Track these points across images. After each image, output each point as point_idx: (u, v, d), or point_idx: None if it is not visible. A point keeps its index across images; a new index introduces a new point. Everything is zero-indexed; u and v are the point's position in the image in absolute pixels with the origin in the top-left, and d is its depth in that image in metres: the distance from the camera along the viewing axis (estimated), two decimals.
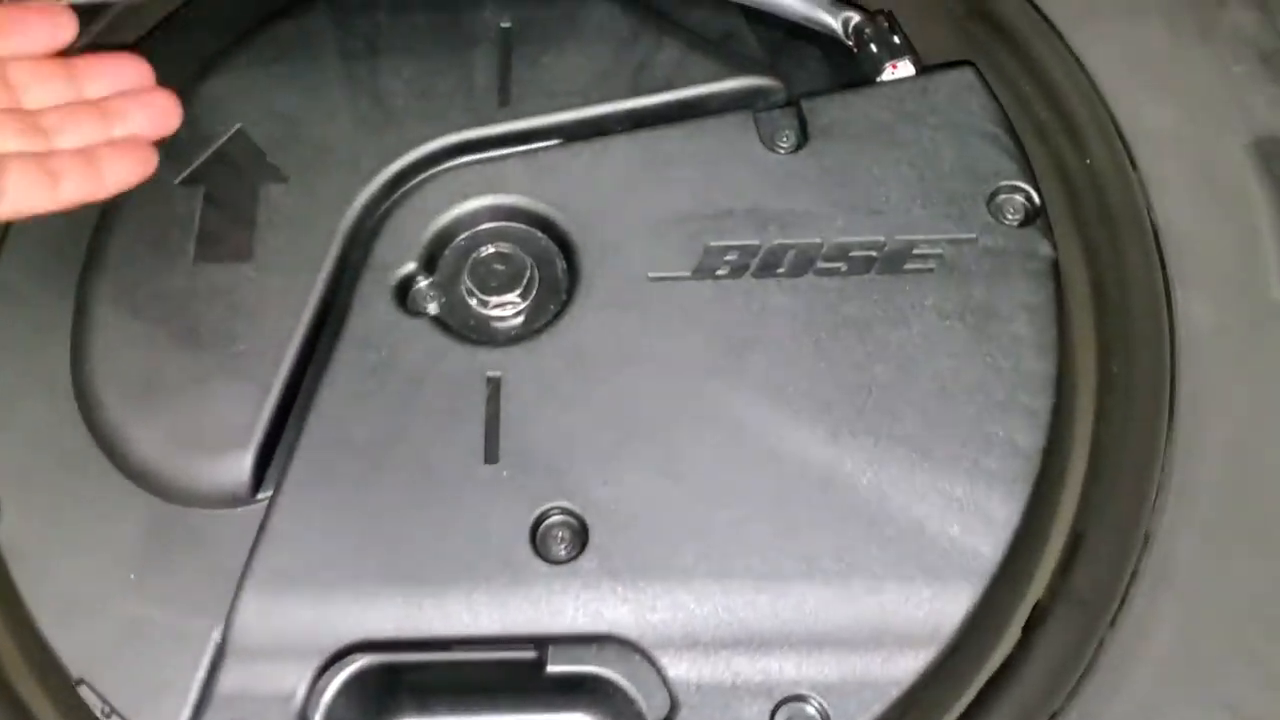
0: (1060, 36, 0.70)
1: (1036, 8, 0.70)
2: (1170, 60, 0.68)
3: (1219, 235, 0.65)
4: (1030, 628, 0.60)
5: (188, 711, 0.57)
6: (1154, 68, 0.68)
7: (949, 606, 0.57)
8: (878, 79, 0.69)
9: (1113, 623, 0.58)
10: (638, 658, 0.57)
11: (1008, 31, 0.72)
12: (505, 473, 0.60)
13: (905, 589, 0.57)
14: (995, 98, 0.67)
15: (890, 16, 0.71)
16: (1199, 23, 0.69)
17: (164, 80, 0.62)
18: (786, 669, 0.56)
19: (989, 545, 0.58)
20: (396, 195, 0.67)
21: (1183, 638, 0.57)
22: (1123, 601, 0.58)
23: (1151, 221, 0.65)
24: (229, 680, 0.57)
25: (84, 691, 0.58)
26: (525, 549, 0.58)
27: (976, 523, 0.58)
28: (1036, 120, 0.71)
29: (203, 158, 0.68)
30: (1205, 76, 0.68)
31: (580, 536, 0.58)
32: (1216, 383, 0.62)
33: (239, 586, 0.58)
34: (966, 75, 0.68)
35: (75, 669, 0.59)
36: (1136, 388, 0.63)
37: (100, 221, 0.67)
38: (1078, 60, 0.69)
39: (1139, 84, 0.68)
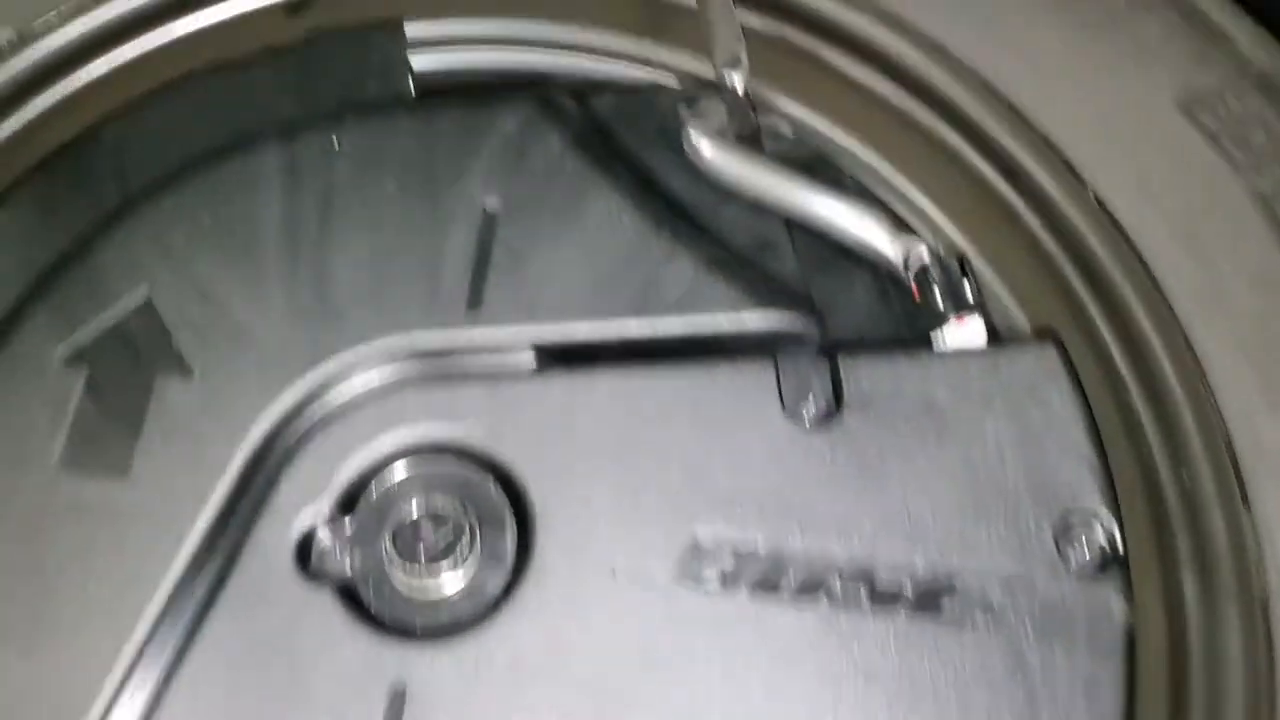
0: (1176, 317, 0.56)
1: (1150, 275, 0.56)
2: None
3: None
4: None
5: None
6: None
7: None
8: (937, 336, 0.56)
9: None
10: None
11: (1111, 296, 0.58)
12: None
13: None
14: (1081, 391, 0.54)
15: (964, 263, 0.57)
16: None
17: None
18: None
19: None
20: (320, 411, 0.54)
21: None
22: None
23: (1262, 584, 0.51)
24: None
25: None
26: None
27: None
28: (1128, 413, 0.56)
29: (96, 330, 0.55)
30: None
31: None
32: None
33: None
34: (1048, 356, 0.54)
35: None
36: None
37: None
38: (1193, 351, 0.55)
39: (1267, 398, 0.54)
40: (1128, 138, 0.59)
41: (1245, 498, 0.53)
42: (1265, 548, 0.52)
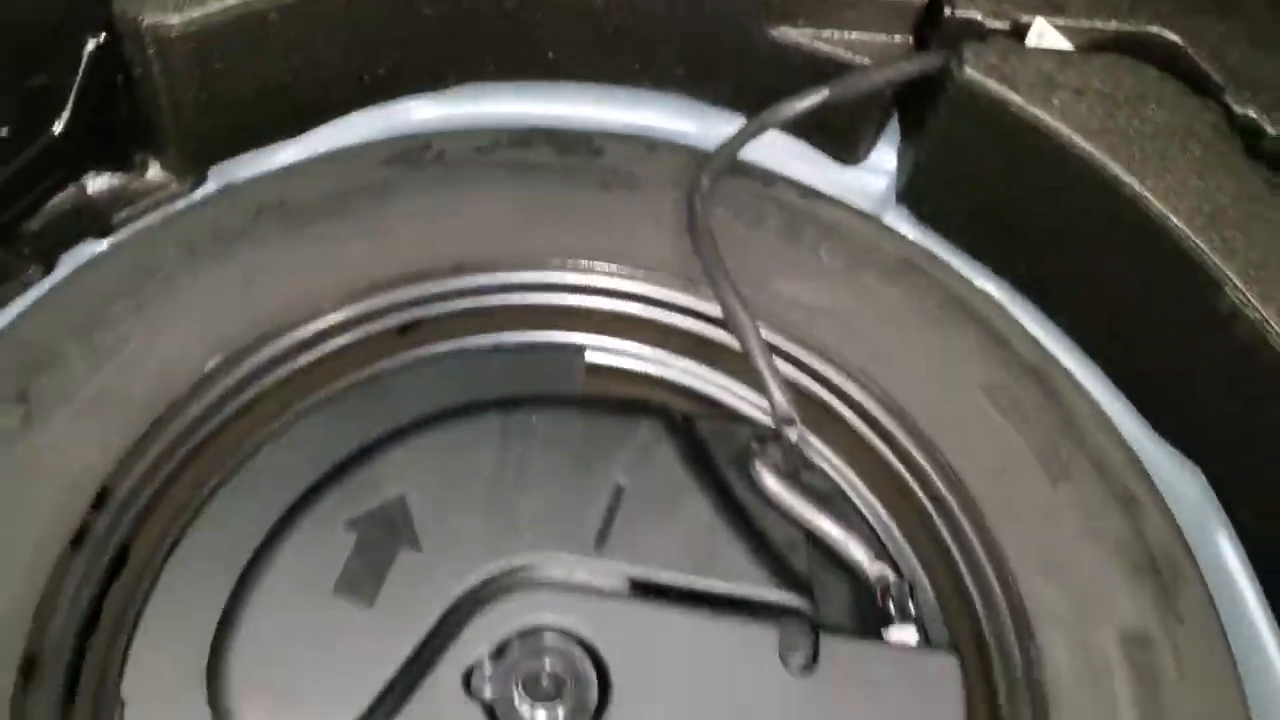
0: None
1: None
2: None
3: None
4: None
5: None
6: None
7: None
8: (885, 631, 0.87)
9: None
10: None
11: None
12: None
13: None
14: (965, 700, 0.84)
15: (912, 587, 0.89)
16: None
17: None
18: None
19: None
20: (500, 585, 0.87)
21: None
22: None
23: None
24: None
25: None
26: None
27: None
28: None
29: (367, 510, 0.89)
30: None
31: None
32: None
33: None
34: (949, 665, 0.85)
35: None
36: None
37: (263, 543, 0.87)
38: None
39: None
40: None
41: None
42: None
